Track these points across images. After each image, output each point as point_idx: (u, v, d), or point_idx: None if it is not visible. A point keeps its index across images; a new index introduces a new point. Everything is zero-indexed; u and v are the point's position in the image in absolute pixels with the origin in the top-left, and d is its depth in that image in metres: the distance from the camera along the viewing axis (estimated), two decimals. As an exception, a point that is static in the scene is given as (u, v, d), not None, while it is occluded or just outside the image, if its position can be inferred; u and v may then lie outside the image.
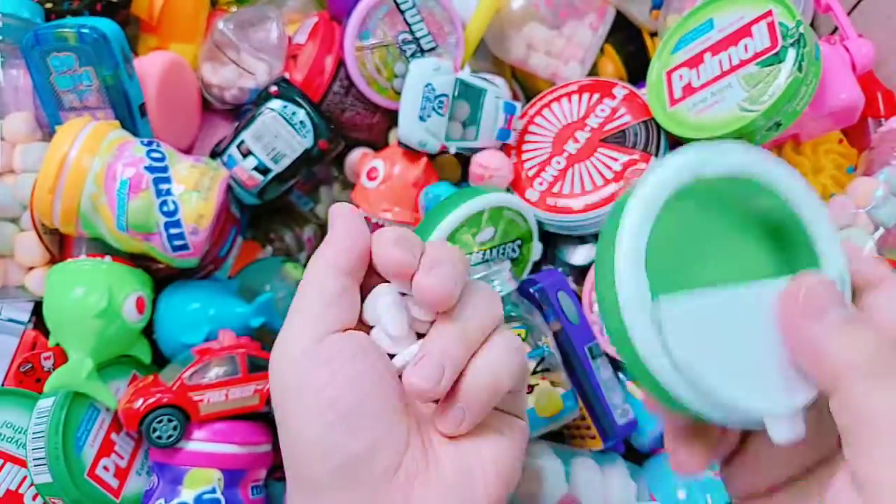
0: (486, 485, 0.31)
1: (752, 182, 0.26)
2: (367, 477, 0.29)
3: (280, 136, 0.60)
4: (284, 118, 0.60)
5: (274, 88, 0.61)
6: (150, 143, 0.56)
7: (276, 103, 0.61)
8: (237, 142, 0.61)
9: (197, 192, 0.55)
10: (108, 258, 0.57)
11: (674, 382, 0.24)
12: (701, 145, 0.25)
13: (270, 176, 0.61)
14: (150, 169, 0.54)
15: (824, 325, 0.24)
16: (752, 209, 0.27)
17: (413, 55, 0.63)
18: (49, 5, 0.62)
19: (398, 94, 0.62)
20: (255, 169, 0.61)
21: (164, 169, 0.55)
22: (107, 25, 0.56)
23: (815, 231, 0.26)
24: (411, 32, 0.62)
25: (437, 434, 0.32)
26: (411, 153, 0.62)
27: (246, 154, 0.61)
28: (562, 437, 0.64)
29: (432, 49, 0.64)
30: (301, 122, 0.60)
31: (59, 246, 0.60)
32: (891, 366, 0.23)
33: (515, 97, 0.73)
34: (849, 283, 0.26)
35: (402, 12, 0.62)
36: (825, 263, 0.26)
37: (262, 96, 0.62)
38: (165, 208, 0.54)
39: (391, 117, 0.66)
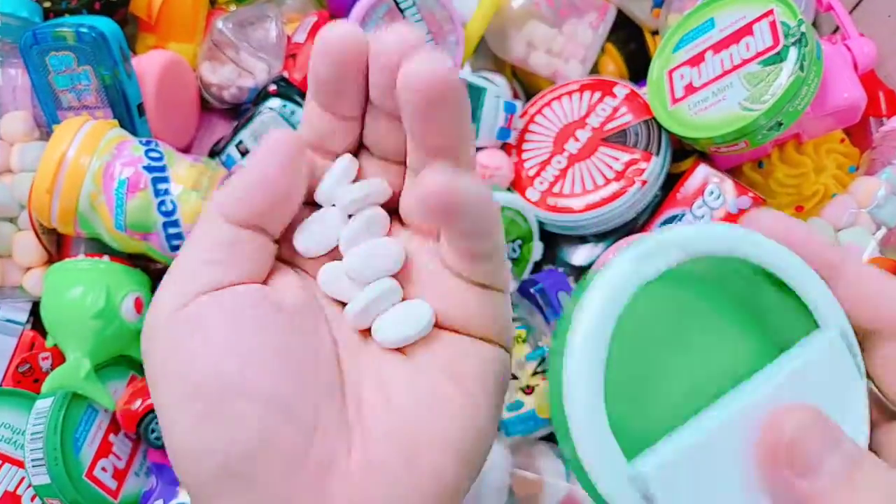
0: (432, 463, 0.22)
1: (727, 259, 0.22)
2: (263, 477, 0.21)
3: None
4: (283, 117, 0.60)
5: (273, 87, 0.61)
6: (148, 143, 0.56)
7: (274, 102, 0.61)
8: (236, 141, 0.61)
9: (195, 191, 0.55)
10: (105, 258, 0.57)
11: None
12: (660, 232, 0.22)
13: None
14: (148, 168, 0.54)
15: (820, 482, 0.18)
16: (732, 287, 0.23)
17: None
18: (47, 4, 0.61)
19: None
20: None
21: (163, 168, 0.55)
22: (105, 24, 0.56)
23: (805, 292, 0.22)
24: None
25: (370, 391, 0.24)
26: None
27: (244, 153, 0.61)
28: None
29: None
30: (300, 120, 0.60)
31: (56, 246, 0.60)
32: None
33: (516, 96, 0.72)
34: (852, 335, 0.22)
35: (401, 11, 0.62)
36: (823, 323, 0.22)
37: (260, 95, 0.61)
38: (164, 208, 0.54)
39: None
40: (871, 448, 0.21)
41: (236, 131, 0.61)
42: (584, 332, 0.20)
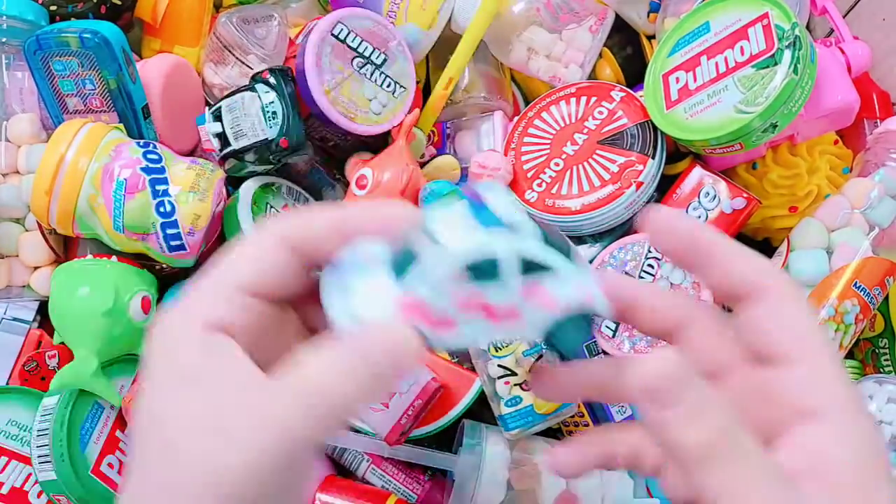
0: None
1: None
2: None
3: (248, 116, 0.59)
4: (261, 103, 0.60)
5: (266, 72, 0.61)
6: (146, 145, 0.56)
7: (260, 86, 0.60)
8: (215, 107, 0.61)
9: (193, 192, 0.56)
10: (113, 258, 0.57)
11: None
12: None
13: (228, 149, 0.61)
14: (146, 170, 0.55)
15: (671, 414, 0.24)
16: None
17: (372, 74, 0.64)
18: (53, 8, 0.62)
19: (378, 114, 0.63)
20: (217, 135, 0.61)
21: (161, 170, 0.55)
22: (108, 29, 0.57)
23: None
24: (360, 55, 0.63)
25: None
26: (399, 160, 0.63)
27: (216, 119, 0.61)
28: (560, 434, 0.64)
29: (384, 61, 0.64)
30: (273, 112, 0.59)
31: (63, 246, 0.61)
32: (736, 446, 0.24)
33: (514, 100, 0.73)
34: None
35: (342, 41, 0.62)
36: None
37: (255, 75, 0.61)
38: (162, 209, 0.55)
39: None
40: None
41: (222, 98, 0.61)
42: None
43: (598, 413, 0.60)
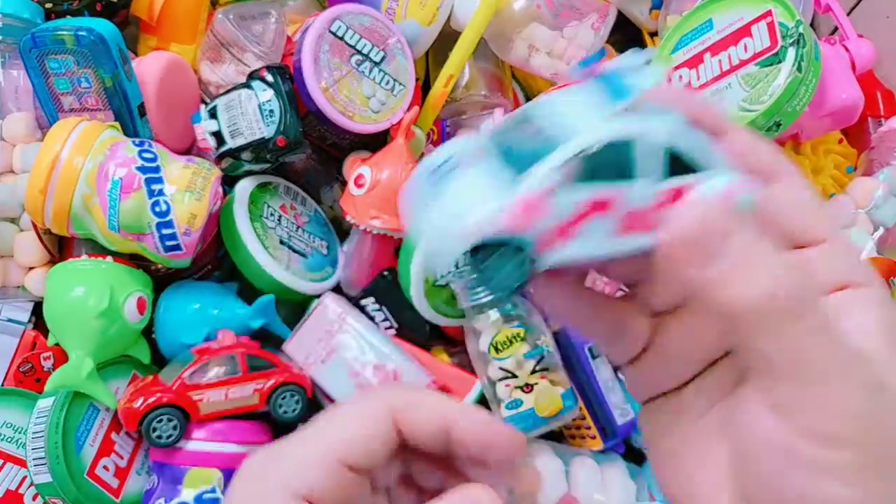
0: None
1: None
2: None
3: (246, 115, 0.59)
4: (258, 101, 0.59)
5: (263, 69, 0.60)
6: (142, 143, 0.56)
7: (257, 84, 0.60)
8: (211, 105, 0.60)
9: (189, 192, 0.55)
10: (109, 258, 0.57)
11: None
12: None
13: (224, 148, 0.60)
14: (141, 169, 0.54)
15: (716, 269, 0.20)
16: None
17: (371, 71, 0.63)
18: (49, 5, 0.62)
19: (376, 112, 0.63)
20: (213, 134, 0.60)
21: (156, 169, 0.55)
22: (104, 27, 0.56)
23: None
24: (359, 52, 0.62)
25: None
26: (398, 159, 0.62)
27: (212, 117, 0.60)
28: (561, 437, 0.64)
29: (383, 58, 0.64)
30: (271, 111, 0.59)
31: (58, 246, 0.61)
32: (799, 300, 0.20)
33: (515, 97, 0.73)
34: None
35: (341, 38, 0.62)
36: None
37: (252, 73, 0.61)
38: (157, 209, 0.54)
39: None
40: None
41: (218, 96, 0.61)
42: None
43: (600, 417, 0.60)
